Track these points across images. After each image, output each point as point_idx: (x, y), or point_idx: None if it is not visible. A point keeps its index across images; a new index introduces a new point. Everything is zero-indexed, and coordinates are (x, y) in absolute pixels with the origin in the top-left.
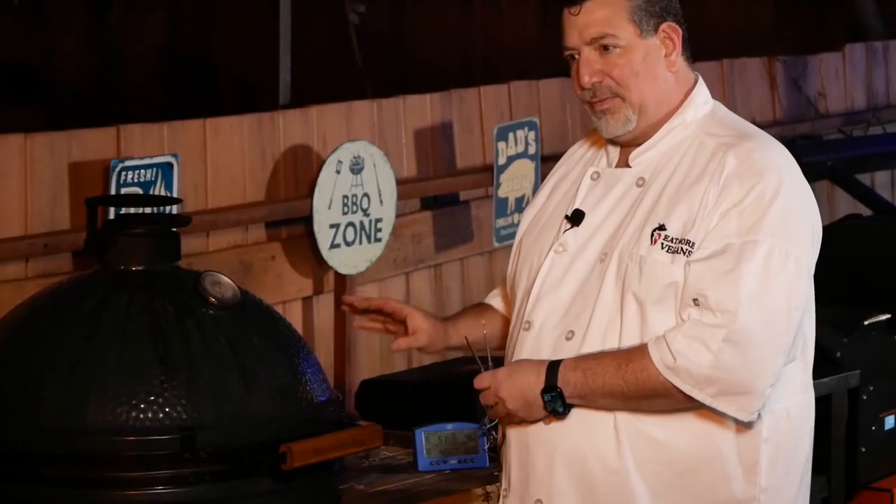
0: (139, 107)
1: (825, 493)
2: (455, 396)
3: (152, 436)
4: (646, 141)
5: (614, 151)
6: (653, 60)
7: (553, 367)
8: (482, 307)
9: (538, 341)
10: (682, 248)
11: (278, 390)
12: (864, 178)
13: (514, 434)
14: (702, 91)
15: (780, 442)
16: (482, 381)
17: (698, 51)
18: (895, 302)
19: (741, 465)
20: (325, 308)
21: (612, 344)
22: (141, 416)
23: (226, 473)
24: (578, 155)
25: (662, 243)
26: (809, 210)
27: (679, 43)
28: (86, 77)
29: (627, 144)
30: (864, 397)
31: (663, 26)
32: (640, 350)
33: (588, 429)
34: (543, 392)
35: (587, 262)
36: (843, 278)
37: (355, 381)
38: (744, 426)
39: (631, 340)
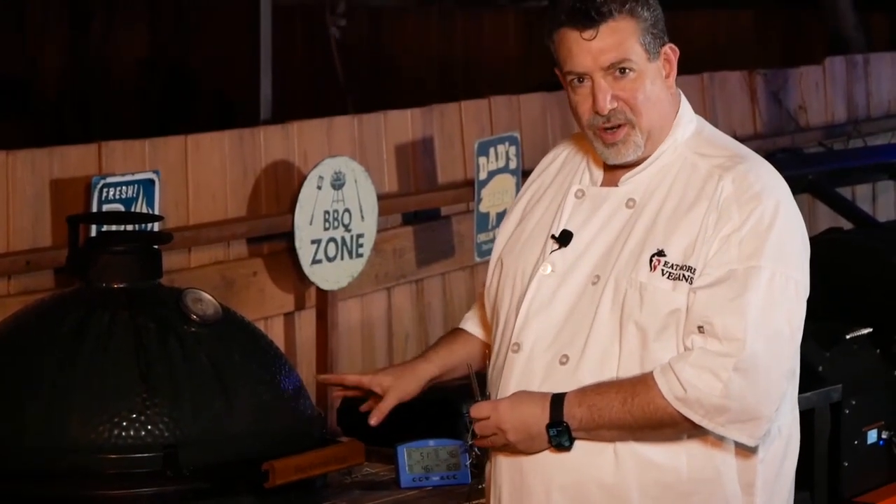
0: (120, 119)
1: None
2: (437, 412)
3: (135, 453)
4: (639, 162)
5: (598, 169)
6: (658, 83)
7: (557, 400)
8: (457, 334)
9: (530, 364)
10: (683, 275)
11: (260, 407)
12: (845, 192)
13: (505, 462)
14: (686, 109)
15: (773, 461)
16: (480, 410)
17: (678, 65)
18: (877, 315)
19: (740, 485)
20: (307, 324)
21: (609, 370)
22: (123, 433)
23: (208, 491)
24: (554, 168)
25: (663, 269)
26: (802, 231)
27: (675, 65)
28: (67, 90)
29: (617, 165)
30: (847, 411)
31: (665, 48)
32: (645, 382)
33: (587, 454)
34: (549, 427)
35: (577, 284)
36: (825, 292)
37: (337, 396)
38: (741, 448)
39: (630, 368)
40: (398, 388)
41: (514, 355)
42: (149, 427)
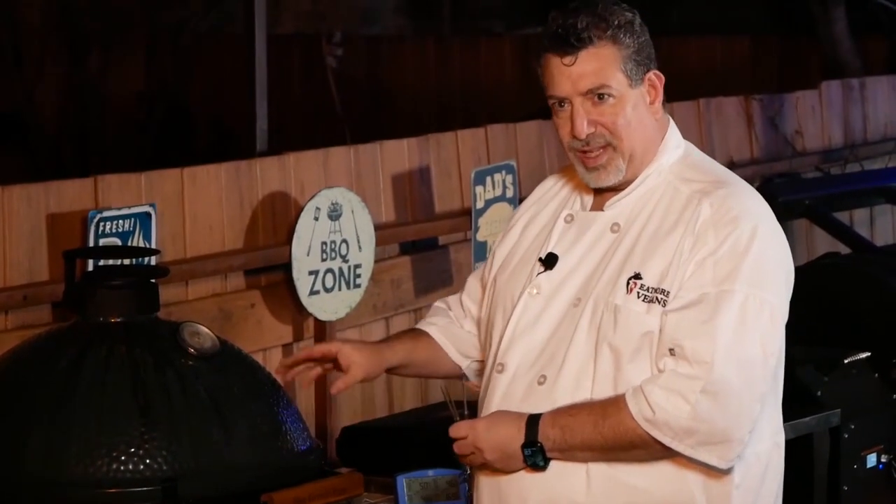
0: (119, 152)
1: None
2: (436, 442)
3: (134, 487)
4: (624, 186)
5: (588, 194)
6: (641, 109)
7: (533, 421)
8: (418, 334)
9: (512, 385)
10: (657, 298)
11: (259, 439)
12: (843, 216)
13: (485, 480)
14: (674, 135)
15: (751, 487)
16: (459, 430)
17: (675, 91)
18: (875, 340)
19: None
20: None
21: (584, 391)
22: (122, 467)
23: None
24: (551, 194)
25: (639, 292)
26: (783, 256)
27: (661, 91)
28: (65, 124)
29: (605, 189)
30: (846, 436)
31: (649, 74)
32: (616, 404)
33: (560, 475)
34: (524, 447)
35: (561, 306)
36: (823, 317)
37: (336, 427)
38: (715, 472)
39: (604, 389)
40: (365, 366)
41: (499, 375)
42: (147, 461)
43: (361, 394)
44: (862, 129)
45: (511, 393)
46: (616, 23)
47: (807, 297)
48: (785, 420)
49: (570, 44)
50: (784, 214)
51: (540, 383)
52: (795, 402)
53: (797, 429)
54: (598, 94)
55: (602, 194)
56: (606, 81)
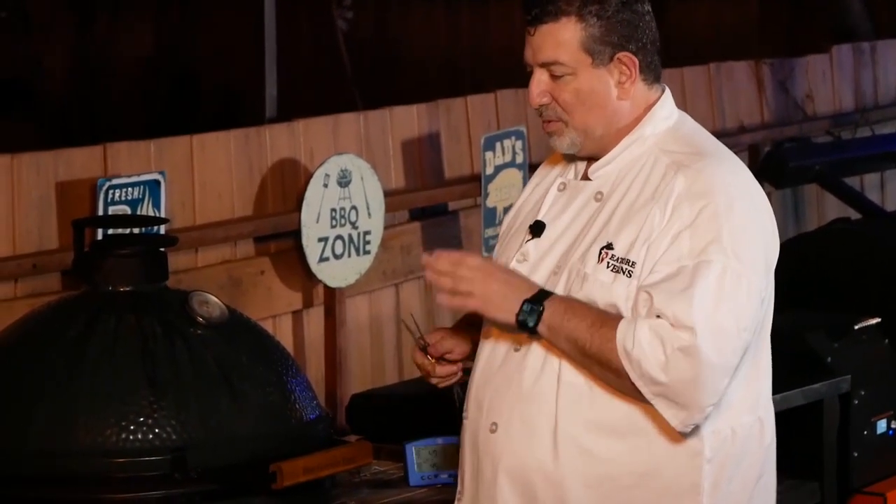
0: (127, 118)
1: (818, 499)
2: (446, 410)
3: (142, 457)
4: (604, 154)
5: (581, 163)
6: (603, 89)
7: (544, 290)
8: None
9: (494, 352)
10: (622, 268)
11: (267, 409)
12: (854, 181)
13: (468, 439)
14: (666, 105)
15: (725, 462)
16: (441, 259)
17: (683, 53)
18: (885, 305)
19: (683, 483)
20: (315, 322)
21: (552, 360)
22: (131, 437)
23: (217, 493)
24: (556, 160)
25: (608, 262)
26: (762, 230)
27: (635, 72)
28: (72, 90)
29: (590, 157)
30: (856, 402)
31: (619, 56)
32: (614, 321)
33: (529, 440)
34: (527, 300)
35: (542, 275)
36: (833, 283)
37: (346, 394)
38: (685, 445)
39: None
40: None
41: (485, 341)
42: (156, 430)
43: (371, 360)
44: (873, 93)
45: (492, 359)
46: None
47: (817, 263)
48: (795, 386)
49: (535, 15)
50: (794, 179)
51: (515, 350)
52: (805, 368)
53: (807, 395)
54: (550, 69)
55: (591, 162)
56: (560, 59)
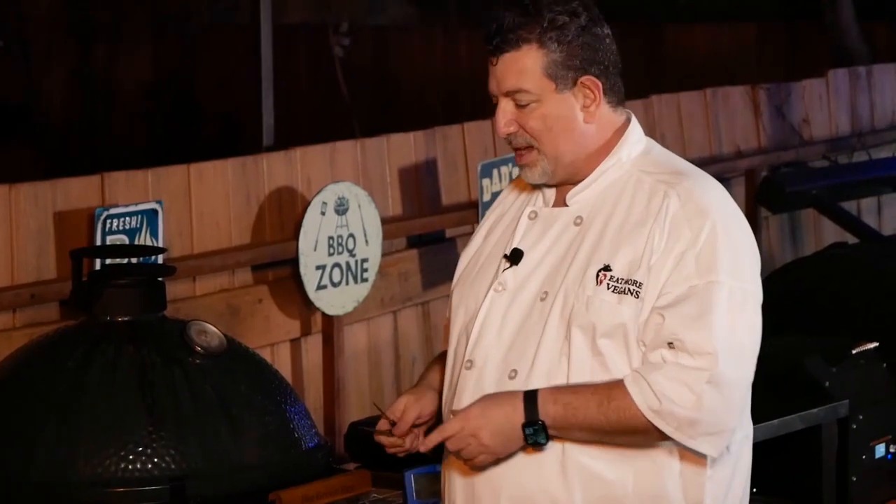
0: (126, 144)
1: None
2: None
3: (142, 486)
4: (580, 180)
5: (550, 191)
6: (568, 114)
7: (530, 398)
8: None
9: (481, 380)
10: (628, 289)
11: (266, 438)
12: (850, 205)
13: (457, 474)
14: (635, 130)
15: (721, 479)
16: (449, 427)
17: (681, 77)
18: (883, 330)
19: (686, 501)
20: (313, 349)
21: (559, 380)
22: (130, 466)
23: None
24: (513, 196)
25: (608, 284)
26: (750, 243)
27: (599, 95)
28: (72, 115)
29: (561, 184)
30: (854, 426)
31: (582, 79)
32: (620, 387)
33: (535, 467)
34: (525, 426)
35: (527, 301)
36: (830, 307)
37: (345, 422)
38: (690, 466)
39: (581, 372)
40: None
41: (468, 372)
42: (155, 460)
43: (370, 388)
44: (869, 118)
45: (481, 388)
46: (546, 24)
47: (814, 288)
48: (793, 411)
49: (496, 45)
50: (791, 204)
51: (511, 378)
52: (804, 392)
53: (805, 420)
54: (515, 97)
55: (563, 189)
56: (524, 87)
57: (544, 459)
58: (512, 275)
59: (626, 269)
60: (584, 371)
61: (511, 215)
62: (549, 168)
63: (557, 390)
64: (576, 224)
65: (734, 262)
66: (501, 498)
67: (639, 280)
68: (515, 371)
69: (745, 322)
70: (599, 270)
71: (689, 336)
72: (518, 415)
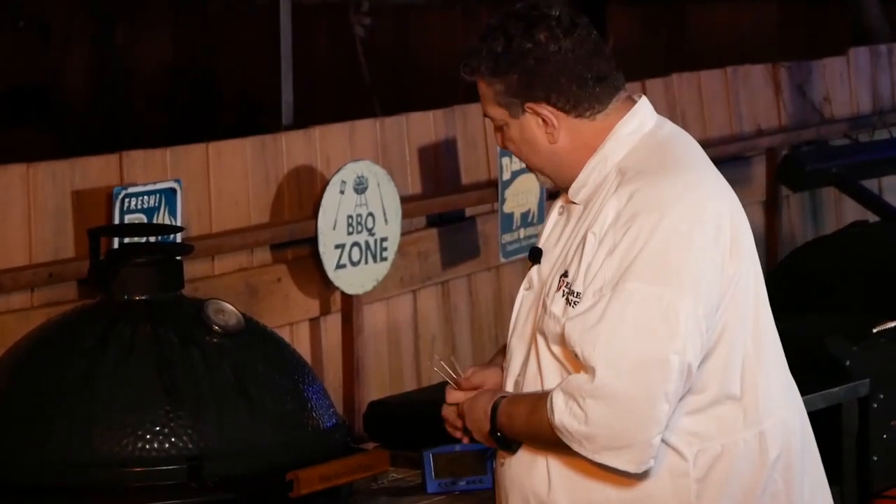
0: (146, 126)
1: None
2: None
3: (159, 466)
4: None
5: None
6: (531, 136)
7: (495, 409)
8: None
9: (508, 377)
10: (569, 299)
11: (284, 417)
12: (871, 184)
13: (497, 469)
14: (630, 121)
15: (717, 481)
16: (454, 396)
17: (702, 57)
18: None
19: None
20: (332, 329)
21: (538, 385)
22: (147, 446)
23: (233, 502)
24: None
25: (563, 291)
26: (694, 247)
27: (552, 118)
28: (92, 98)
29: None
30: (875, 405)
31: (527, 106)
32: (543, 400)
33: (527, 469)
34: (491, 433)
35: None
36: (851, 286)
37: (364, 401)
38: (670, 468)
39: (551, 377)
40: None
41: (506, 370)
42: (172, 439)
43: (389, 367)
44: (890, 96)
45: (507, 385)
46: (484, 54)
47: (835, 267)
48: (813, 390)
49: (464, 73)
50: (812, 183)
51: (520, 376)
52: (824, 372)
53: (826, 399)
54: (491, 120)
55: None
56: (489, 113)
57: (534, 461)
58: (536, 273)
59: (573, 277)
60: (554, 376)
61: (556, 206)
62: (542, 177)
63: (510, 401)
64: (578, 223)
65: (657, 266)
66: (510, 498)
67: (577, 290)
68: (522, 371)
69: (649, 329)
70: (561, 276)
71: (581, 348)
72: (486, 422)
